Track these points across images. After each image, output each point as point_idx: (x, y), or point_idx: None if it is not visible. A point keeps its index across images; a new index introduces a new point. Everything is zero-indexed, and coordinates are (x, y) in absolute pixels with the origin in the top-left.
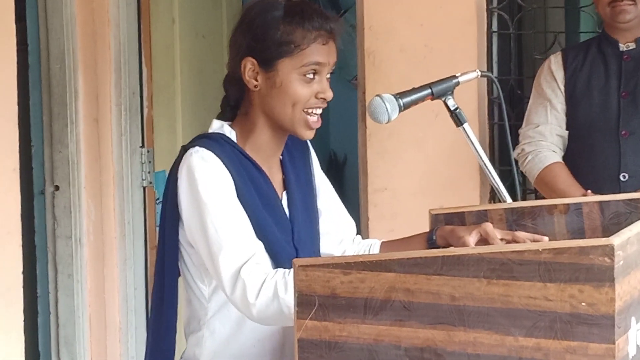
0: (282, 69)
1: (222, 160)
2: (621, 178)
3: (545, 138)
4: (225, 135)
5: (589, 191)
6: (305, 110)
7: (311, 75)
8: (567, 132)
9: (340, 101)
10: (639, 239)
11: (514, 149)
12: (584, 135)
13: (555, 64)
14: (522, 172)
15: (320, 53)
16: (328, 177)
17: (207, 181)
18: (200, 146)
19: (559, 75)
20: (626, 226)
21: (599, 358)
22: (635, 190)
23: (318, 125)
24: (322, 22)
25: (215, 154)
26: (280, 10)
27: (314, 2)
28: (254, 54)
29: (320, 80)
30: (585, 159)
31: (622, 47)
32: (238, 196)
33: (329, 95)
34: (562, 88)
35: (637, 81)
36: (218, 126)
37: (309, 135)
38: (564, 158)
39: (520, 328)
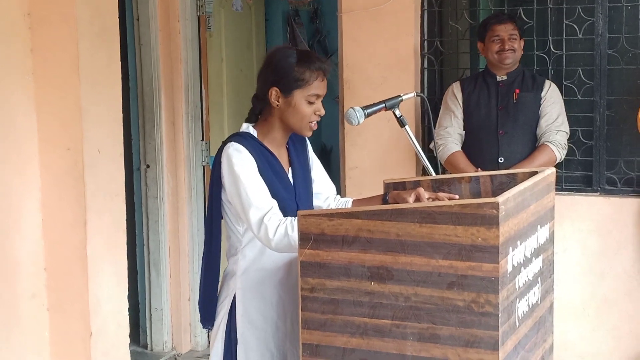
0: (296, 96)
1: (248, 150)
2: (499, 160)
3: (450, 135)
4: (250, 134)
5: (479, 169)
6: (309, 121)
7: (313, 100)
8: (464, 131)
9: (328, 111)
10: (515, 198)
11: None
12: (475, 134)
13: (456, 89)
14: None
15: (320, 87)
16: (320, 161)
17: (239, 163)
18: (234, 141)
19: (459, 95)
20: (506, 191)
21: (489, 273)
22: (508, 168)
23: (315, 128)
24: (321, 65)
25: (243, 145)
26: (294, 57)
27: (309, 48)
28: (278, 86)
29: (318, 103)
30: (477, 148)
31: (499, 78)
32: (259, 172)
33: (323, 112)
34: (461, 104)
35: (509, 100)
36: (245, 127)
37: (309, 134)
38: (463, 148)
39: (440, 254)
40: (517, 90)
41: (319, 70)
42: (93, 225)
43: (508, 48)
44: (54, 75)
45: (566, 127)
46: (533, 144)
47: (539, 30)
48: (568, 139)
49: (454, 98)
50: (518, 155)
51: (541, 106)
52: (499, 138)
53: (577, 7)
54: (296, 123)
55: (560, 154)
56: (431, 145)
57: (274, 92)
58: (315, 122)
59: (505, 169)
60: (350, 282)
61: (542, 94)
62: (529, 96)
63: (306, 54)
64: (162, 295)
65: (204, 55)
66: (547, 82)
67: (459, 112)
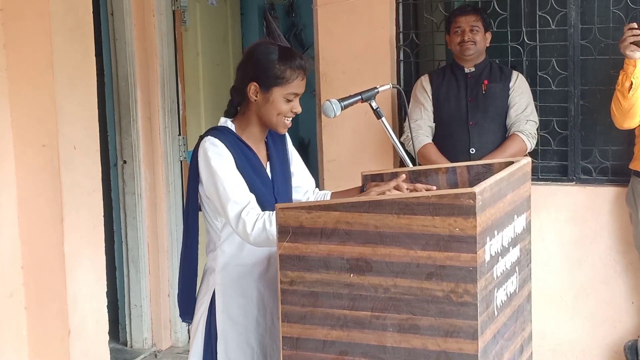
0: (274, 93)
1: (225, 144)
2: (471, 151)
3: (420, 128)
4: (228, 128)
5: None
6: (284, 118)
7: (291, 99)
8: (434, 124)
9: (305, 105)
10: (491, 188)
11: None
12: (446, 126)
13: (425, 81)
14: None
15: (299, 86)
16: (298, 154)
17: (215, 157)
18: (211, 136)
19: (428, 88)
20: (483, 181)
21: (467, 262)
22: (480, 158)
23: (290, 126)
24: (302, 63)
25: (220, 140)
26: (276, 53)
27: (286, 39)
28: (257, 81)
29: (296, 101)
30: (448, 140)
31: (467, 70)
32: (237, 167)
33: (299, 111)
34: (430, 96)
35: (478, 91)
36: (223, 121)
37: (284, 131)
38: (434, 140)
39: (418, 245)
40: (486, 81)
41: (300, 69)
42: (70, 222)
43: (468, 40)
44: (27, 71)
45: (535, 117)
46: (503, 134)
47: (513, 21)
48: (543, 129)
49: (423, 91)
50: (489, 145)
51: (510, 96)
52: (470, 129)
53: None
54: (271, 119)
55: (530, 143)
56: (402, 138)
57: (252, 87)
58: (290, 119)
59: (477, 160)
60: (330, 275)
61: (511, 85)
62: (497, 87)
63: (288, 51)
64: (142, 292)
65: (180, 50)
66: (515, 73)
67: (428, 105)
